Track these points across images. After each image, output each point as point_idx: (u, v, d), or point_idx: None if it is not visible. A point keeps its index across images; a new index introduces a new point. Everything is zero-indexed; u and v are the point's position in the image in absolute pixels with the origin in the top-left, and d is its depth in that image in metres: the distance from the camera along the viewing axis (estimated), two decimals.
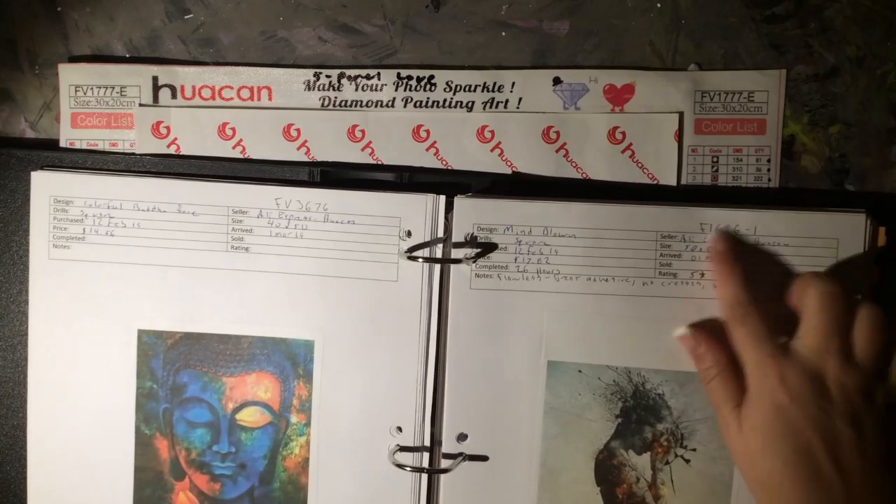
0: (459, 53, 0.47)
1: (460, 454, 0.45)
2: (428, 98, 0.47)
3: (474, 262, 0.44)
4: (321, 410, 0.46)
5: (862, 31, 0.46)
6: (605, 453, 0.45)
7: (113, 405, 0.46)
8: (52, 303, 0.46)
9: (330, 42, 0.48)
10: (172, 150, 0.48)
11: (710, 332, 0.42)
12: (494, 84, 0.47)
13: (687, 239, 0.44)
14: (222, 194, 0.45)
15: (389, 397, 0.45)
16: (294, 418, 0.46)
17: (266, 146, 0.48)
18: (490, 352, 0.44)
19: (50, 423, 0.46)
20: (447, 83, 0.47)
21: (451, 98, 0.47)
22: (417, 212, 0.44)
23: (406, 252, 0.44)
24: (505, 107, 0.47)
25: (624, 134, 0.46)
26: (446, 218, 0.45)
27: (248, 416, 0.46)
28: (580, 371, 0.45)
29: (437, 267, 0.45)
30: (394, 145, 0.47)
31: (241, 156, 0.48)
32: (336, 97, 0.48)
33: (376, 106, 0.47)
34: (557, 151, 0.47)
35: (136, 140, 0.48)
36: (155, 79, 0.48)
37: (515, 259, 0.44)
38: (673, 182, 0.46)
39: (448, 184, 0.46)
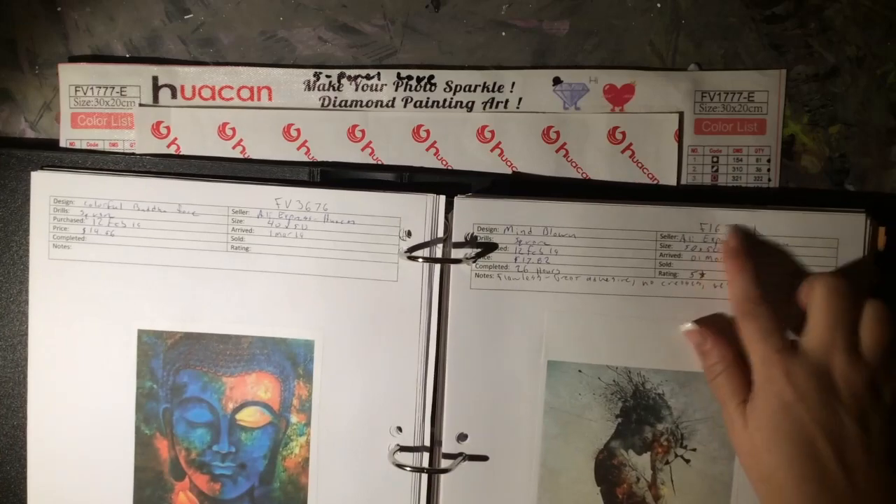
0: (459, 53, 0.47)
1: (460, 454, 0.45)
2: (428, 98, 0.47)
3: (474, 262, 0.44)
4: (321, 410, 0.46)
5: (862, 31, 0.46)
6: (605, 453, 0.45)
7: (113, 405, 0.46)
8: (52, 303, 0.46)
9: (330, 42, 0.48)
10: (172, 150, 0.48)
11: (716, 328, 0.42)
12: (494, 84, 0.47)
13: (687, 239, 0.44)
14: (222, 194, 0.45)
15: (389, 397, 0.45)
16: (294, 418, 0.46)
17: (266, 146, 0.48)
18: (490, 352, 0.44)
19: (50, 423, 0.46)
20: (447, 83, 0.47)
21: (451, 98, 0.47)
22: (417, 212, 0.44)
23: (406, 252, 0.44)
24: (505, 107, 0.47)
25: (624, 134, 0.46)
26: (446, 218, 0.45)
27: (248, 416, 0.46)
28: (580, 371, 0.45)
29: (437, 267, 0.45)
30: (394, 145, 0.47)
31: (241, 156, 0.48)
32: (336, 97, 0.48)
33: (376, 106, 0.47)
34: (557, 151, 0.47)
35: (136, 140, 0.48)
36: (155, 79, 0.48)
37: (515, 259, 0.44)
38: (673, 182, 0.46)
39: (448, 184, 0.46)
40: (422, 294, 0.45)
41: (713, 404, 0.44)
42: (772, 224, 0.43)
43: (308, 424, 0.46)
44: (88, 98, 0.48)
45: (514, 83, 0.47)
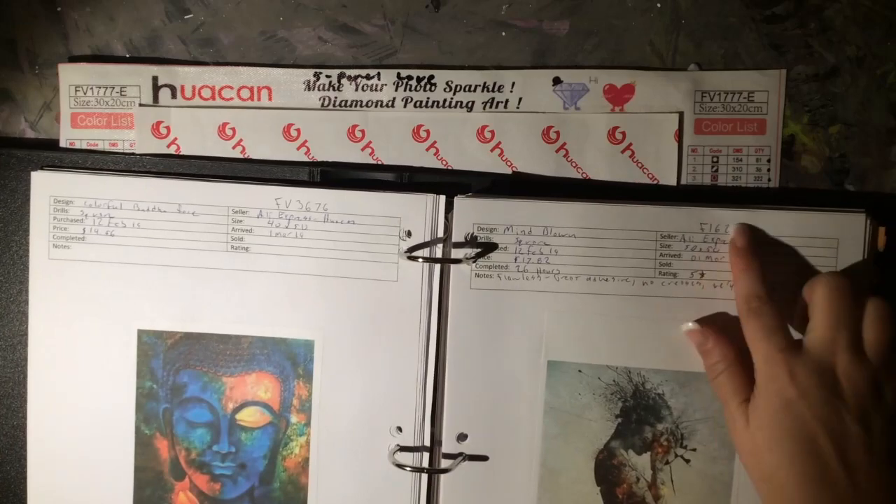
0: (459, 53, 0.47)
1: (460, 454, 0.45)
2: (428, 98, 0.47)
3: (474, 262, 0.44)
4: (321, 410, 0.46)
5: (862, 31, 0.46)
6: (605, 453, 0.45)
7: (113, 405, 0.46)
8: (52, 303, 0.46)
9: (330, 42, 0.48)
10: (172, 150, 0.48)
11: (718, 327, 0.42)
12: (494, 84, 0.47)
13: (687, 239, 0.44)
14: (222, 194, 0.45)
15: (389, 397, 0.45)
16: (294, 418, 0.46)
17: (266, 146, 0.48)
18: (490, 352, 0.44)
19: (50, 423, 0.46)
20: (447, 83, 0.47)
21: (451, 98, 0.47)
22: (417, 212, 0.44)
23: (406, 252, 0.44)
24: (505, 107, 0.47)
25: (624, 134, 0.46)
26: (446, 218, 0.44)
27: (248, 416, 0.46)
28: (580, 371, 0.45)
29: (437, 267, 0.45)
30: (394, 145, 0.47)
31: (241, 156, 0.48)
32: (336, 97, 0.48)
33: (376, 106, 0.47)
34: (557, 151, 0.47)
35: (136, 140, 0.48)
36: (155, 79, 0.48)
37: (515, 259, 0.44)
38: (673, 182, 0.46)
39: (448, 184, 0.46)
40: (422, 294, 0.45)
41: (713, 404, 0.44)
42: (772, 224, 0.43)
43: (308, 424, 0.46)
44: (88, 98, 0.48)
45: (514, 83, 0.47)
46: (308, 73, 0.48)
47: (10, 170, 0.47)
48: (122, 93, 0.48)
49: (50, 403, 0.46)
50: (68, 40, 0.48)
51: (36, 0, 0.48)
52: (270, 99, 0.48)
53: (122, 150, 0.48)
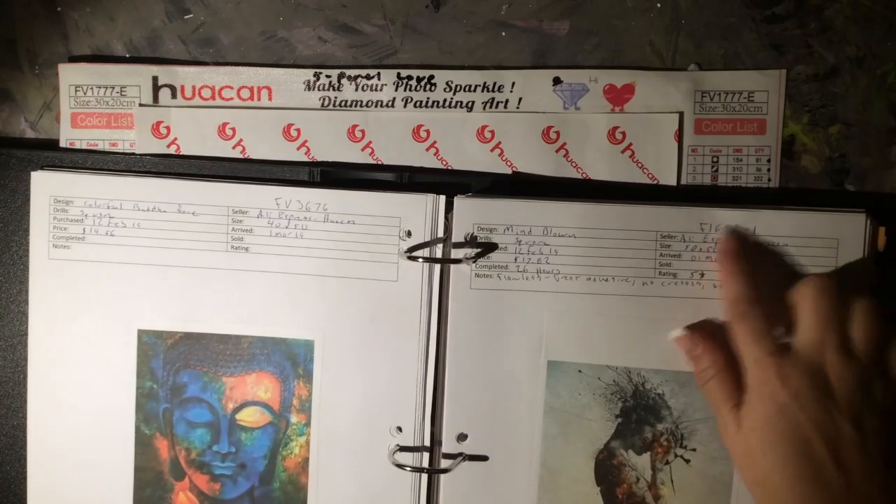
0: (459, 53, 0.47)
1: (460, 454, 0.45)
2: (428, 98, 0.47)
3: (474, 262, 0.44)
4: (321, 410, 0.46)
5: (862, 31, 0.46)
6: (605, 453, 0.45)
7: (113, 405, 0.46)
8: (52, 303, 0.46)
9: (330, 42, 0.48)
10: (172, 150, 0.48)
11: (706, 333, 0.42)
12: (494, 84, 0.47)
13: (687, 239, 0.44)
14: (222, 194, 0.45)
15: (389, 397, 0.45)
16: (294, 418, 0.46)
17: (266, 146, 0.48)
18: (490, 352, 0.44)
19: (50, 423, 0.46)
20: (447, 83, 0.47)
21: (451, 98, 0.47)
22: (417, 212, 0.44)
23: (406, 252, 0.44)
24: (505, 107, 0.47)
25: (624, 134, 0.46)
26: (446, 218, 0.45)
27: (248, 416, 0.46)
28: (580, 371, 0.45)
29: (437, 267, 0.45)
30: (394, 145, 0.47)
31: (241, 156, 0.48)
32: (336, 97, 0.48)
33: (376, 106, 0.47)
34: (557, 151, 0.47)
35: (136, 140, 0.48)
36: (155, 79, 0.48)
37: (515, 259, 0.44)
38: (673, 182, 0.46)
39: (448, 184, 0.46)
40: (422, 294, 0.45)
41: None
42: (772, 224, 0.43)
43: (308, 424, 0.46)
44: (88, 98, 0.48)
45: (514, 83, 0.47)
46: (308, 73, 0.48)
47: (10, 170, 0.47)
48: (122, 93, 0.48)
49: (50, 403, 0.46)
50: (68, 40, 0.48)
51: (36, 0, 0.48)
52: (270, 99, 0.48)
53: (122, 150, 0.48)
